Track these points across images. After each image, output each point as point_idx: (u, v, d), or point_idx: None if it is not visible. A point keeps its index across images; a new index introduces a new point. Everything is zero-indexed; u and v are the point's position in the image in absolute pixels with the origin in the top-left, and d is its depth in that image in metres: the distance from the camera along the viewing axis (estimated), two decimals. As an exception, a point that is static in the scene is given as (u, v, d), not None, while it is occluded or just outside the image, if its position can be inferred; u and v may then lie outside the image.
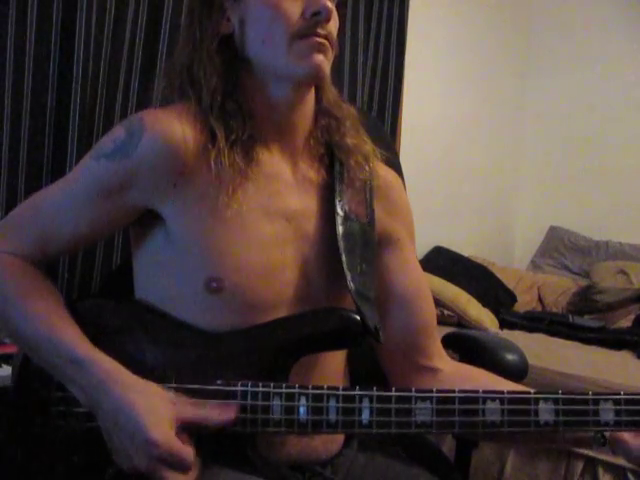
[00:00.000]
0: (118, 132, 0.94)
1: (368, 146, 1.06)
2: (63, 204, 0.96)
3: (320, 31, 0.92)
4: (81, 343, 0.88)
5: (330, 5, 0.92)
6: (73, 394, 0.88)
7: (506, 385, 1.01)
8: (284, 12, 0.92)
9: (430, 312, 1.10)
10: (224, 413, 0.85)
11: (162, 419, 0.82)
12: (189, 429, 0.84)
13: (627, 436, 0.91)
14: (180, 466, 0.81)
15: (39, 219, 0.97)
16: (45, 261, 0.98)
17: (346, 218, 1.00)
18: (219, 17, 0.97)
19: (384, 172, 1.10)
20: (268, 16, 0.93)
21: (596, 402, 0.87)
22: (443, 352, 1.11)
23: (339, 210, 1.00)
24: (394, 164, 1.16)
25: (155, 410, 0.82)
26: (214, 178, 0.92)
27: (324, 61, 0.93)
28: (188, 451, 0.82)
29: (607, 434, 0.93)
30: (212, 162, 0.91)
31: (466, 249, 3.33)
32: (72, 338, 0.88)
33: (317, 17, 0.92)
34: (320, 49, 0.92)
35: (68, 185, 0.98)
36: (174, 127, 0.92)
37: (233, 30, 0.97)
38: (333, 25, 0.95)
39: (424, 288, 1.10)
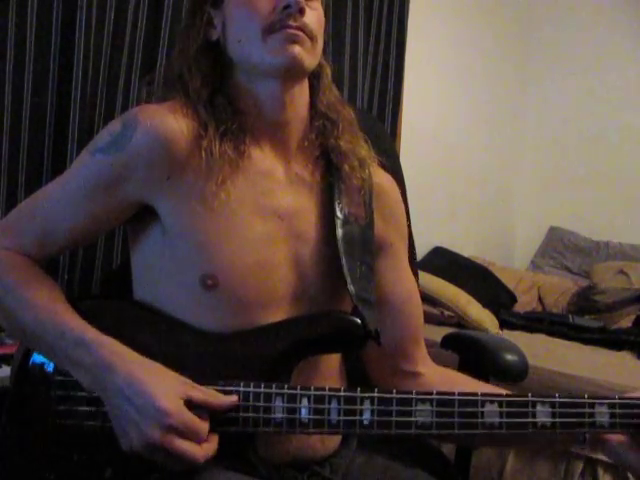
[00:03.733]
0: (114, 126, 0.96)
1: (364, 151, 1.06)
2: (60, 200, 0.97)
3: (292, 23, 0.93)
4: (86, 326, 0.89)
5: None
6: (74, 393, 0.89)
7: (489, 390, 1.00)
8: (256, 10, 0.95)
9: (418, 319, 1.11)
10: (227, 397, 0.87)
11: (171, 391, 0.83)
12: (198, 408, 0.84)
13: (613, 438, 0.91)
14: (194, 436, 0.81)
15: (37, 216, 0.98)
16: (44, 259, 0.99)
17: (345, 221, 1.00)
18: (204, 24, 1.00)
19: (380, 177, 1.10)
20: (242, 15, 0.96)
21: (592, 405, 0.89)
22: (427, 357, 1.12)
23: (338, 213, 1.00)
24: (392, 168, 1.15)
25: (163, 383, 0.84)
26: (204, 168, 0.93)
27: (300, 52, 0.94)
28: (201, 422, 0.83)
29: (587, 434, 0.94)
30: (203, 151, 0.93)
31: (466, 249, 3.33)
32: (77, 322, 0.90)
33: (288, 10, 0.93)
34: (294, 40, 0.93)
35: (65, 181, 0.99)
36: (168, 120, 0.93)
37: (219, 35, 1.00)
38: (311, 18, 0.96)
39: (414, 295, 1.11)
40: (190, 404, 0.83)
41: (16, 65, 1.65)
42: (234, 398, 0.87)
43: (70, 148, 1.73)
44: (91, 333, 0.88)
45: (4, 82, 1.63)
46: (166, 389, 0.83)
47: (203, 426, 0.83)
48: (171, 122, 0.93)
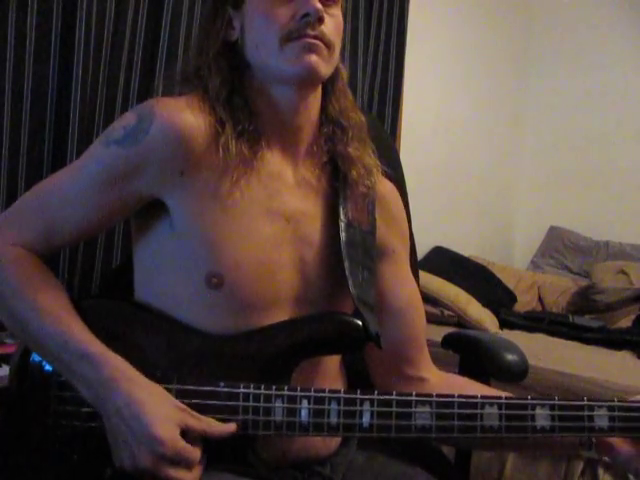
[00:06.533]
0: (129, 118, 0.95)
1: (371, 159, 1.06)
2: (70, 192, 0.96)
3: (310, 32, 0.93)
4: (91, 339, 0.88)
5: (319, 6, 0.93)
6: (73, 393, 0.88)
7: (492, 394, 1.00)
8: (275, 17, 0.94)
9: (421, 324, 1.11)
10: (226, 425, 0.87)
11: (168, 419, 0.83)
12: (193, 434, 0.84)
13: (615, 441, 0.92)
14: (186, 464, 0.82)
15: (44, 209, 0.96)
16: (49, 252, 0.98)
17: (349, 225, 1.01)
18: (224, 25, 1.00)
19: (384, 186, 1.10)
20: (261, 22, 0.95)
21: (591, 408, 0.88)
22: (430, 362, 1.12)
23: (342, 217, 1.01)
24: (395, 178, 1.16)
25: (162, 410, 0.83)
26: (220, 165, 0.93)
27: (317, 61, 0.94)
28: (194, 450, 0.83)
29: (594, 439, 0.94)
30: (220, 148, 0.92)
31: (466, 249, 3.33)
32: (81, 334, 0.89)
33: (306, 18, 0.93)
34: (311, 49, 0.93)
35: (75, 172, 0.98)
36: (184, 115, 0.93)
37: (237, 37, 1.00)
38: (329, 26, 0.95)
39: (416, 300, 1.12)
40: (187, 432, 0.84)
41: (16, 65, 1.65)
42: (232, 428, 0.87)
43: (70, 148, 1.73)
44: (95, 347, 0.87)
45: (4, 83, 1.63)
46: (164, 416, 0.83)
47: (195, 454, 0.83)
48: (189, 117, 0.93)
